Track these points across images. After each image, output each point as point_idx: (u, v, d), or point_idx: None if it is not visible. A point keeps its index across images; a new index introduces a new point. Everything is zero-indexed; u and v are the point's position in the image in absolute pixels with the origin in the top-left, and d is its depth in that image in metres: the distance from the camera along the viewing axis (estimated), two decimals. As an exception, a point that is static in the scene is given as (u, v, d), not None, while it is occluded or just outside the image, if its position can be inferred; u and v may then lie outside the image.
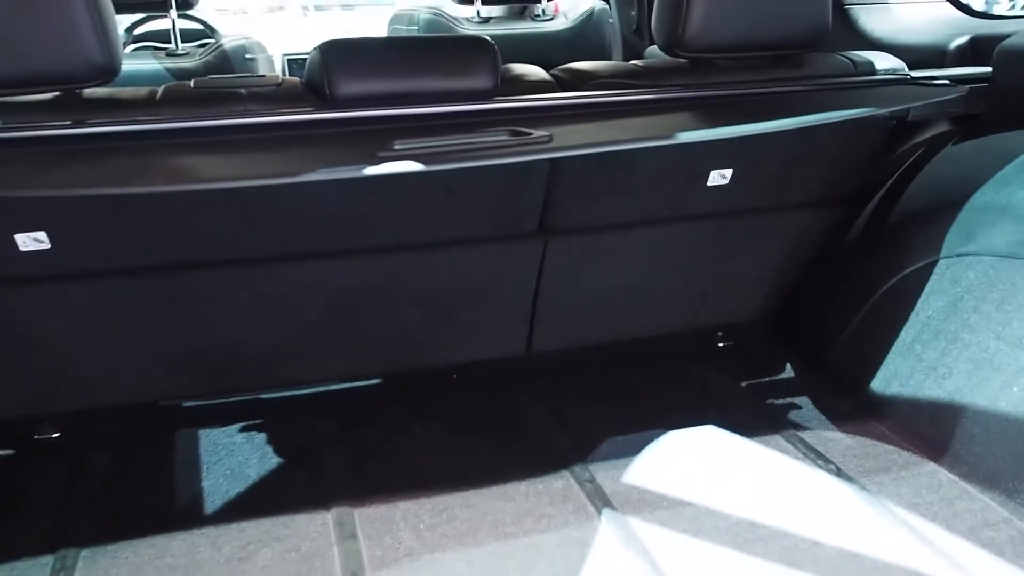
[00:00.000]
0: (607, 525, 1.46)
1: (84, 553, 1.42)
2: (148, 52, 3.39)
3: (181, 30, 3.36)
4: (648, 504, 1.52)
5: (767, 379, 2.01)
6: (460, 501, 1.54)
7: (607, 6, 3.33)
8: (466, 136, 1.39)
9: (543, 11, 3.45)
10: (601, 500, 1.52)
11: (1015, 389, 1.47)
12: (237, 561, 1.40)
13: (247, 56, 3.28)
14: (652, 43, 1.87)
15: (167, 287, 1.64)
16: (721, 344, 2.17)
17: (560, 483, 1.59)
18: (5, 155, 1.34)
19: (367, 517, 1.50)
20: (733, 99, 1.65)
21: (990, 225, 1.56)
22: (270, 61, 3.58)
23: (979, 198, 1.59)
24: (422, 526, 1.47)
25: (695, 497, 1.53)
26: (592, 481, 1.58)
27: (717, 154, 1.75)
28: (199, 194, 1.49)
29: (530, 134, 1.41)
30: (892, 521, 1.45)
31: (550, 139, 1.40)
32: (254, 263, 1.65)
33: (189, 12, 3.64)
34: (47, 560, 1.41)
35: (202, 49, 3.33)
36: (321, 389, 1.95)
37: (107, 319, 1.65)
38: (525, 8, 3.59)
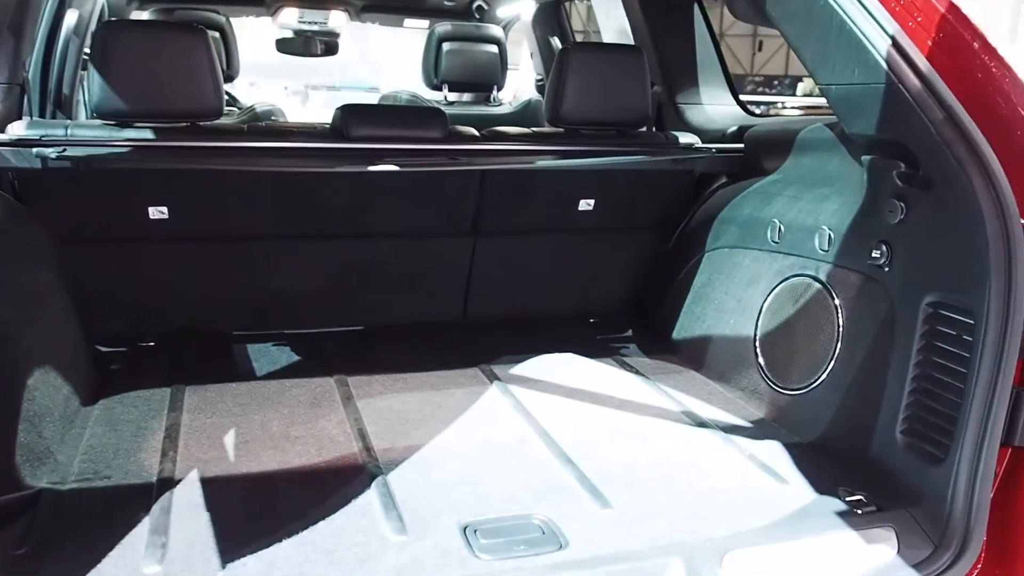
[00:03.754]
0: (494, 387, 2.51)
1: (188, 387, 2.43)
2: None
3: None
4: (521, 380, 2.57)
5: (614, 336, 3.09)
6: (410, 375, 2.57)
7: (542, 99, 4.54)
8: (423, 158, 2.51)
9: (495, 99, 4.64)
10: (493, 377, 2.58)
11: (732, 322, 2.57)
12: (279, 392, 2.41)
13: (273, 117, 4.41)
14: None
15: (236, 250, 2.69)
16: (592, 320, 3.25)
17: (471, 372, 2.64)
18: (155, 152, 2.39)
19: (355, 380, 2.52)
20: (588, 153, 2.77)
21: (726, 231, 2.70)
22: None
23: (722, 215, 2.73)
24: (387, 383, 2.51)
25: (548, 378, 2.60)
26: (490, 370, 2.64)
27: (583, 188, 2.86)
28: (264, 183, 2.54)
29: (461, 159, 2.52)
30: (663, 395, 2.50)
31: (471, 162, 2.52)
32: (294, 238, 2.71)
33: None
34: (167, 389, 2.41)
35: (239, 111, 4.45)
36: (327, 330, 2.98)
37: (197, 270, 2.68)
38: (488, 96, 4.78)
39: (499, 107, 4.62)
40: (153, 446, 2.05)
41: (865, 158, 2.12)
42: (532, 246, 2.99)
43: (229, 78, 4.40)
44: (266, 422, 2.21)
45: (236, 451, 2.04)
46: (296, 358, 2.74)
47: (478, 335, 3.01)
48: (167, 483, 1.85)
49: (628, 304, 3.21)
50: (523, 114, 4.41)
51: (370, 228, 2.76)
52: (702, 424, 2.29)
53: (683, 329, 2.84)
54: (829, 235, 2.24)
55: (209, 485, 1.85)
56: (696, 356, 2.73)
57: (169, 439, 2.08)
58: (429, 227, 2.83)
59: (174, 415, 2.23)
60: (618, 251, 3.08)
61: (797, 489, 1.94)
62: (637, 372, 2.68)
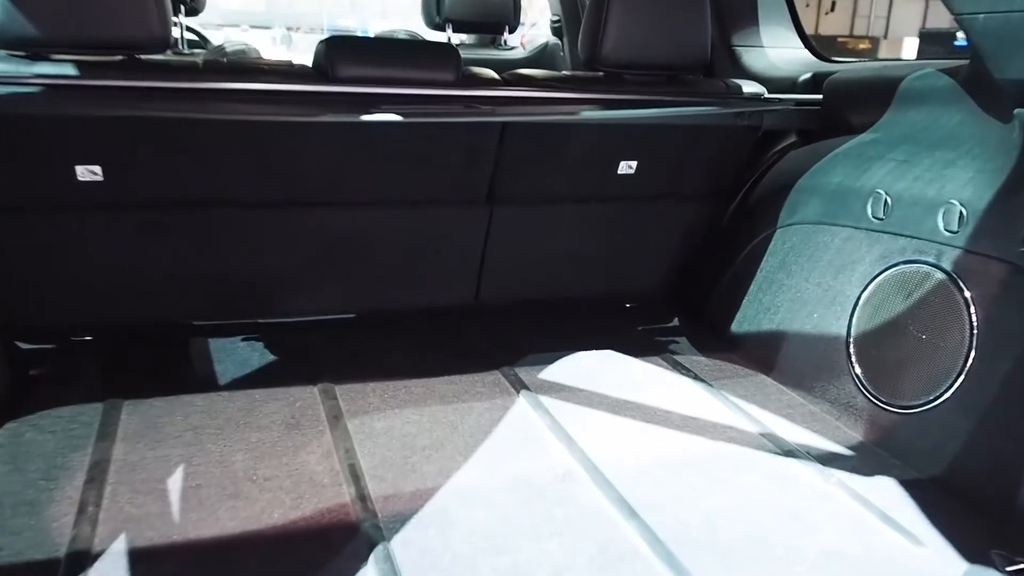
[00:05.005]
0: (522, 399, 2.00)
1: (127, 403, 1.91)
2: None
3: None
4: (554, 389, 2.07)
5: (658, 326, 2.59)
6: (415, 383, 2.07)
7: (559, 42, 3.97)
8: (431, 106, 1.96)
9: (505, 42, 4.07)
10: (520, 386, 2.07)
11: (815, 316, 2.06)
12: (246, 409, 1.91)
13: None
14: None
15: (196, 221, 2.14)
16: (628, 305, 2.74)
17: (491, 377, 2.14)
18: (80, 93, 1.82)
19: (345, 389, 2.02)
20: (634, 102, 2.24)
21: (806, 202, 2.17)
22: None
23: (801, 184, 2.20)
24: (386, 395, 2.01)
25: (587, 386, 2.09)
26: (515, 376, 2.13)
27: (624, 147, 2.33)
28: (227, 137, 1.97)
29: (478, 108, 1.98)
30: (732, 409, 2.01)
31: (491, 112, 1.98)
32: (268, 207, 2.17)
33: (190, 25, 4.15)
34: (99, 405, 1.89)
35: (204, 51, 3.86)
36: (310, 318, 2.47)
37: (145, 245, 2.15)
38: (495, 39, 4.21)
39: (512, 51, 4.06)
40: (69, 495, 1.54)
41: (1020, 112, 1.61)
42: (560, 217, 2.46)
43: (193, 11, 3.79)
44: (226, 455, 1.70)
45: (182, 503, 1.53)
46: (271, 358, 2.23)
47: (495, 324, 2.50)
48: (80, 559, 1.35)
49: (672, 287, 2.70)
50: (540, 59, 3.85)
51: (362, 194, 2.23)
52: (789, 452, 1.79)
53: (746, 321, 2.33)
54: (960, 212, 1.73)
55: (138, 563, 1.35)
56: (765, 356, 2.23)
57: (92, 483, 1.58)
58: (436, 193, 2.29)
59: (104, 445, 1.72)
60: (664, 224, 2.56)
61: (937, 552, 1.45)
62: (695, 376, 2.18)
